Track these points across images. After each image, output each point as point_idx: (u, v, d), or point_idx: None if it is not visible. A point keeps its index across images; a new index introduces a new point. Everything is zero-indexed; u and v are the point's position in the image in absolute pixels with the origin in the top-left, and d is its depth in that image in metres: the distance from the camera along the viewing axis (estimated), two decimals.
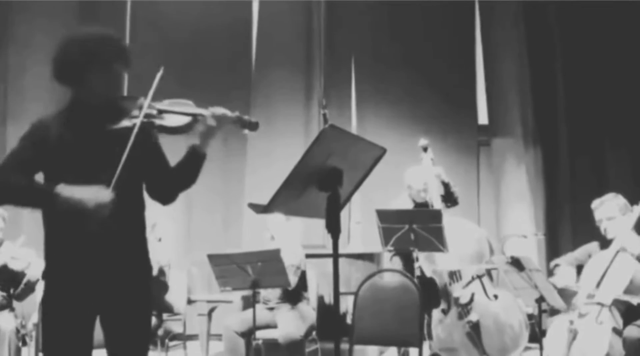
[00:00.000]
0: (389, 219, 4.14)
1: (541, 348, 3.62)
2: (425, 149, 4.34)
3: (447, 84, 6.26)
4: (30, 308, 4.68)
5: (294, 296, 4.47)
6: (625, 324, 3.59)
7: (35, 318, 4.54)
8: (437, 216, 4.10)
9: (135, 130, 2.13)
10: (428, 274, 4.31)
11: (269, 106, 6.40)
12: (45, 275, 2.23)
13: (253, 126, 2.29)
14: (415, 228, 4.04)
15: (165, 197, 2.37)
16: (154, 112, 2.22)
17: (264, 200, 2.07)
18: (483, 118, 6.42)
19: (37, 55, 6.19)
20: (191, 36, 6.40)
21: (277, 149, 6.19)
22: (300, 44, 6.54)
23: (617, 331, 3.57)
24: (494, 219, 6.12)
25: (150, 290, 2.32)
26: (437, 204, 4.34)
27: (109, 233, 2.14)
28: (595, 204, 3.95)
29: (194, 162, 2.31)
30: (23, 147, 2.18)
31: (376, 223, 4.19)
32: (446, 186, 4.50)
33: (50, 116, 2.25)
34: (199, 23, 6.42)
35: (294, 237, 4.58)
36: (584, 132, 6.05)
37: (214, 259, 4.08)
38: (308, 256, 4.71)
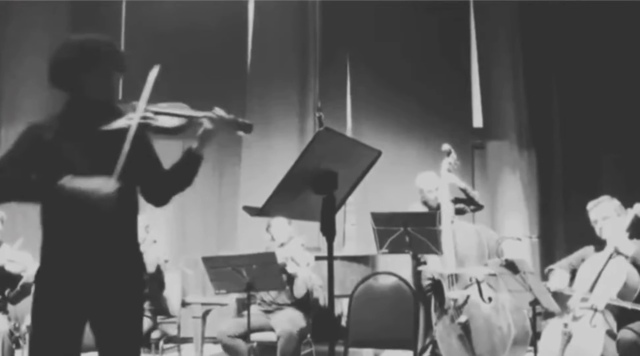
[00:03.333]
0: (383, 222, 4.15)
1: (535, 351, 3.62)
2: (448, 154, 4.41)
3: (442, 88, 6.28)
4: (24, 310, 4.66)
5: (300, 304, 4.47)
6: (619, 326, 3.60)
7: (28, 320, 4.52)
8: (431, 219, 4.11)
9: (134, 127, 2.13)
10: (436, 276, 4.34)
11: (264, 108, 6.39)
12: (38, 276, 2.23)
13: (248, 128, 2.30)
14: (410, 230, 4.05)
15: (160, 199, 2.37)
16: (150, 113, 2.22)
17: (259, 203, 2.07)
18: (478, 121, 6.44)
19: (30, 56, 6.18)
20: (186, 38, 6.38)
21: (272, 151, 6.19)
22: (296, 46, 6.54)
23: (611, 334, 3.58)
24: (489, 222, 6.13)
25: (141, 295, 2.32)
26: (448, 208, 4.36)
27: (104, 235, 2.15)
28: (591, 205, 3.96)
29: (190, 164, 2.31)
30: (18, 147, 2.18)
31: (371, 225, 4.20)
32: (464, 191, 4.59)
33: (45, 118, 2.26)
34: (194, 25, 6.41)
35: (299, 245, 4.57)
36: (578, 136, 6.08)
37: (208, 261, 4.07)
38: None
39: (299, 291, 4.37)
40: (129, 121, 2.17)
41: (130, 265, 2.27)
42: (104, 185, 2.08)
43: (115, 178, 2.09)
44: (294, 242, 4.53)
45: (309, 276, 4.34)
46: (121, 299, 2.20)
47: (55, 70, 2.21)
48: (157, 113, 2.23)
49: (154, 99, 2.24)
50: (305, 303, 4.50)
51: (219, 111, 2.28)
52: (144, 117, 2.20)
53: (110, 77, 2.23)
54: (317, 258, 4.76)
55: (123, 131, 2.14)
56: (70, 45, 2.23)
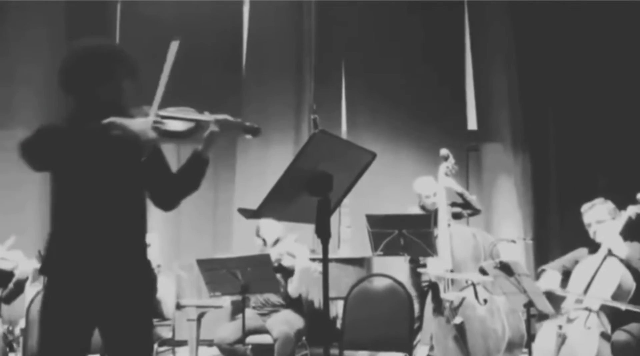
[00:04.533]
0: (378, 224, 4.15)
1: (530, 353, 3.63)
2: (446, 158, 4.46)
3: (437, 90, 6.28)
4: (18, 313, 4.64)
5: (295, 304, 4.46)
6: (613, 328, 3.61)
7: (22, 323, 4.50)
8: (426, 221, 4.12)
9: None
10: (433, 279, 4.35)
11: (260, 110, 6.38)
12: (45, 276, 2.23)
13: (255, 132, 2.31)
14: (404, 233, 4.06)
15: (168, 203, 2.38)
16: (158, 118, 2.24)
17: (254, 205, 2.07)
18: (472, 124, 6.45)
19: (24, 56, 6.17)
20: (181, 40, 6.37)
21: (266, 154, 6.18)
22: (291, 47, 6.54)
23: (605, 336, 3.59)
24: (483, 224, 6.14)
25: (152, 299, 2.33)
26: (444, 211, 4.37)
27: (112, 239, 2.17)
28: (585, 207, 3.98)
29: (196, 167, 2.32)
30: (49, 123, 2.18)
31: (366, 227, 4.21)
32: (461, 195, 4.60)
33: (57, 120, 2.26)
34: (189, 26, 6.39)
35: (293, 241, 4.57)
36: (572, 138, 6.09)
37: (203, 264, 4.07)
38: None
39: (294, 288, 4.35)
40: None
41: (139, 269, 2.27)
42: (147, 129, 2.12)
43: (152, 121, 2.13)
44: (287, 238, 4.54)
45: (307, 266, 4.33)
46: (131, 304, 2.20)
47: (66, 76, 2.22)
48: (165, 117, 2.25)
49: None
50: (299, 303, 4.49)
51: (225, 115, 2.29)
52: (154, 121, 2.21)
53: (122, 84, 2.25)
54: (312, 260, 4.76)
55: None
56: (82, 50, 2.24)
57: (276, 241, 4.57)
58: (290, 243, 4.51)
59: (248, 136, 2.32)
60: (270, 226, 4.58)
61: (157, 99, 2.21)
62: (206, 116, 2.28)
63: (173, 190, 2.35)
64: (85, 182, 2.16)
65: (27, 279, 4.34)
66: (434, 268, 4.31)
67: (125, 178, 2.21)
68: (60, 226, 2.21)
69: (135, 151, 2.13)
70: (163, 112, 2.25)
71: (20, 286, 4.39)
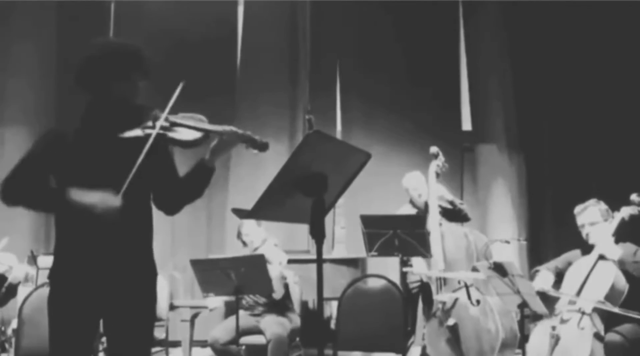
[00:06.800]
0: (373, 225, 4.15)
1: (524, 354, 3.64)
2: (436, 156, 4.45)
3: (431, 90, 6.29)
4: (10, 314, 4.62)
5: (281, 305, 4.45)
6: (607, 329, 3.62)
7: (14, 324, 4.48)
8: (420, 221, 4.12)
9: (150, 142, 2.18)
10: (424, 278, 4.34)
11: (254, 111, 6.38)
12: (52, 277, 2.27)
13: (263, 147, 2.31)
14: (399, 233, 4.06)
15: (171, 208, 2.40)
16: (167, 124, 2.25)
17: (248, 205, 2.06)
18: (467, 124, 6.46)
19: (15, 55, 6.14)
20: (175, 40, 6.35)
21: (261, 154, 6.15)
22: (286, 48, 6.54)
23: (598, 337, 3.59)
24: (477, 225, 6.15)
25: (155, 296, 2.35)
26: (435, 211, 4.37)
27: (117, 239, 2.20)
28: (578, 209, 3.98)
29: (201, 175, 2.35)
30: (35, 150, 2.26)
31: (360, 228, 4.20)
32: (451, 203, 4.58)
33: (67, 124, 2.30)
34: (183, 27, 6.38)
35: (272, 245, 4.56)
36: (566, 138, 6.11)
37: (197, 264, 4.06)
38: (292, 261, 4.69)
39: (276, 291, 4.35)
40: (147, 130, 2.22)
41: (144, 267, 2.31)
42: (107, 200, 2.13)
43: (121, 194, 2.13)
44: (267, 243, 4.53)
45: (281, 275, 4.32)
46: (134, 302, 2.25)
47: (84, 71, 2.26)
48: (174, 124, 2.26)
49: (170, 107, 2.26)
50: (283, 304, 4.47)
51: (234, 128, 2.31)
52: (162, 128, 2.23)
53: (137, 84, 2.29)
54: (307, 261, 4.76)
55: (139, 140, 2.19)
56: (102, 48, 2.28)
57: (258, 245, 4.55)
58: (270, 247, 4.50)
59: (255, 151, 2.32)
60: (251, 230, 4.56)
61: (167, 110, 2.23)
62: (215, 127, 2.29)
63: (176, 195, 2.38)
64: (89, 183, 2.17)
65: (19, 283, 4.33)
66: (420, 267, 4.31)
67: (131, 180, 2.21)
68: (63, 228, 2.25)
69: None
70: (174, 118, 2.27)
71: (12, 291, 4.37)
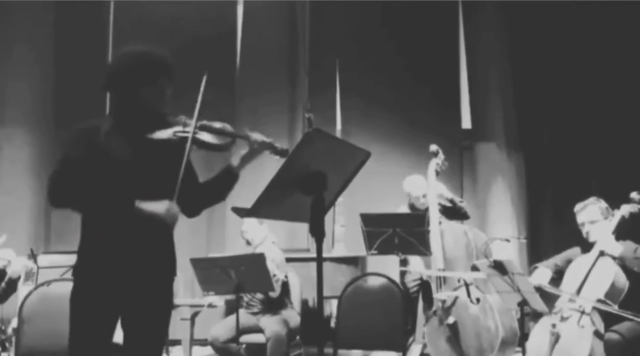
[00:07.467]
0: (373, 223, 4.15)
1: (524, 352, 3.64)
2: (435, 154, 4.45)
3: (431, 89, 6.29)
4: (10, 313, 4.62)
5: (277, 304, 4.45)
6: (607, 327, 3.62)
7: (15, 323, 4.48)
8: (420, 220, 4.12)
9: (188, 145, 2.25)
10: (424, 277, 4.34)
11: (254, 110, 6.38)
12: (76, 272, 2.31)
13: (284, 154, 2.40)
14: (399, 231, 4.06)
15: (192, 211, 2.46)
16: (197, 129, 2.31)
17: (248, 204, 2.07)
18: (467, 123, 6.46)
19: (15, 56, 6.13)
20: (174, 39, 6.34)
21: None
22: (285, 46, 6.54)
23: (598, 335, 3.60)
24: (477, 223, 6.15)
25: (172, 295, 2.41)
26: (435, 209, 4.37)
27: (144, 239, 2.25)
28: (578, 207, 3.99)
29: (227, 181, 2.44)
30: (73, 152, 2.26)
31: (360, 226, 4.20)
32: (451, 201, 4.58)
33: (96, 121, 2.34)
34: (183, 26, 6.38)
35: (270, 242, 4.56)
36: (566, 137, 6.11)
37: (197, 263, 4.06)
38: (292, 259, 4.70)
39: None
40: (180, 134, 2.28)
41: (165, 266, 2.36)
42: (172, 209, 2.22)
43: (175, 200, 2.22)
44: (266, 241, 4.53)
45: (271, 272, 4.32)
46: (154, 301, 2.31)
47: (114, 77, 2.31)
48: (205, 128, 2.33)
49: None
50: (281, 302, 4.46)
51: (260, 135, 2.41)
52: (194, 131, 2.29)
53: (165, 90, 2.34)
54: (306, 260, 4.76)
55: (169, 143, 2.26)
56: (133, 55, 2.33)
57: (258, 243, 4.55)
58: (268, 245, 4.50)
59: (277, 157, 2.40)
60: (254, 229, 4.57)
61: (196, 113, 2.30)
62: (243, 133, 2.38)
63: (199, 199, 2.44)
64: (125, 186, 2.23)
65: (19, 278, 4.33)
66: (418, 266, 4.31)
67: (157, 177, 2.28)
68: (95, 226, 2.28)
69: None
70: (202, 122, 2.32)
71: (12, 285, 4.38)
